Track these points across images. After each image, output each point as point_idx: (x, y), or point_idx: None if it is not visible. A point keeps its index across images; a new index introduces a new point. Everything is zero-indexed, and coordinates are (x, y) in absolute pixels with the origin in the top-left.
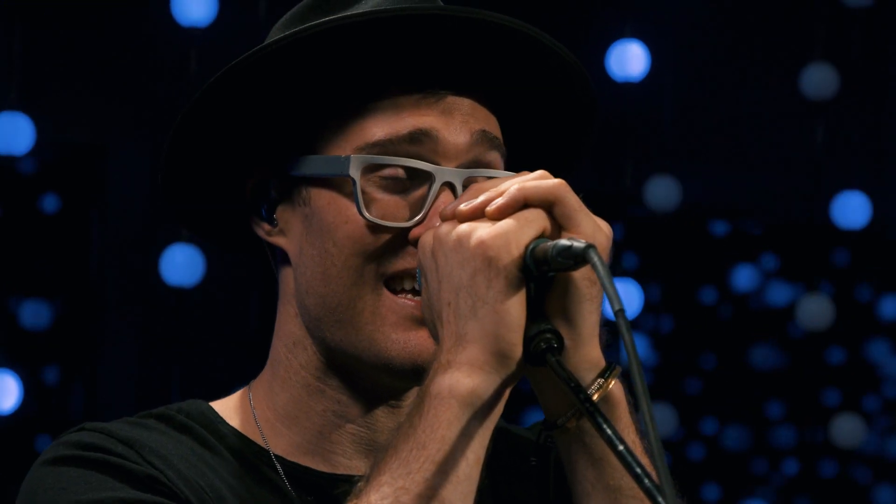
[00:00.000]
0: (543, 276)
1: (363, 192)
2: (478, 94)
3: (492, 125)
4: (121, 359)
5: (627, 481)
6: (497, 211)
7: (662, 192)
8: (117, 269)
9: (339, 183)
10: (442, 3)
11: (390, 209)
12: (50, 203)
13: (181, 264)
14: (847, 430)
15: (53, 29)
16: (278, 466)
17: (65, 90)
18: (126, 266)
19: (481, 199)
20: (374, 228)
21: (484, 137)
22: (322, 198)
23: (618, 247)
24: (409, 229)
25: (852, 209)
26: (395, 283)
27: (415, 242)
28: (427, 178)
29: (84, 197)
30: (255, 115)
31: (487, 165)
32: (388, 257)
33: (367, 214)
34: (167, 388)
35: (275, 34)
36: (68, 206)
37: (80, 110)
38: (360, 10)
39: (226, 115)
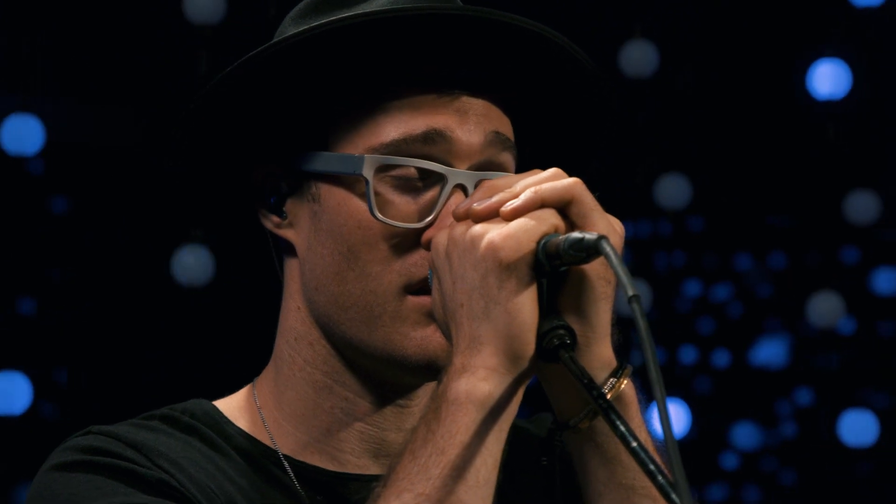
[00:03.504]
0: (556, 270)
1: (375, 193)
2: (492, 94)
3: (505, 126)
4: (131, 359)
5: (640, 480)
6: (512, 213)
7: (673, 190)
8: (128, 270)
9: (350, 181)
10: (459, 2)
11: (401, 210)
12: (59, 204)
13: (192, 265)
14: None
15: (63, 30)
16: (287, 466)
17: (74, 91)
18: (137, 267)
19: (496, 199)
20: (385, 230)
21: (497, 139)
22: (333, 196)
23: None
24: (420, 230)
25: (862, 206)
26: (413, 286)
27: (427, 245)
28: (439, 179)
29: (94, 198)
30: (268, 107)
31: (499, 166)
32: (407, 264)
33: (379, 216)
34: (177, 388)
35: (287, 27)
36: (77, 208)
37: (89, 111)
38: (376, 7)
39: (239, 105)
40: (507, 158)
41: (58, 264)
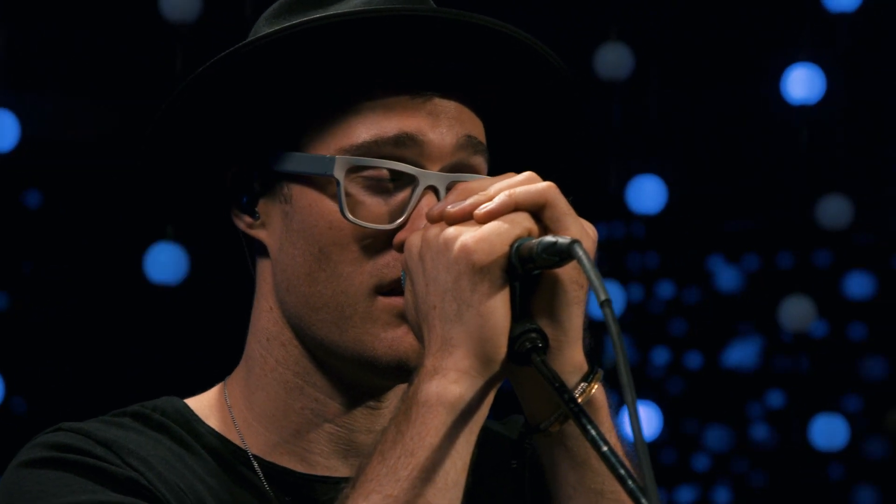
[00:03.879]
0: (529, 274)
1: (346, 194)
2: (464, 96)
3: (477, 129)
4: (104, 356)
5: (609, 485)
6: (486, 215)
7: (646, 192)
8: (101, 267)
9: (321, 182)
10: (433, 4)
11: (373, 211)
12: (33, 199)
13: (165, 262)
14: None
15: (38, 26)
16: (256, 466)
17: (49, 87)
18: (110, 263)
19: (470, 201)
20: (356, 231)
21: (469, 142)
22: (304, 196)
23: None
24: (391, 232)
25: (836, 211)
26: (385, 286)
27: (399, 246)
28: (411, 180)
29: (68, 194)
30: (240, 107)
31: (471, 169)
32: (379, 265)
33: (350, 217)
34: (149, 386)
35: (261, 27)
36: (51, 203)
37: (65, 107)
38: (348, 9)
39: (211, 105)
40: (479, 161)
41: (31, 259)
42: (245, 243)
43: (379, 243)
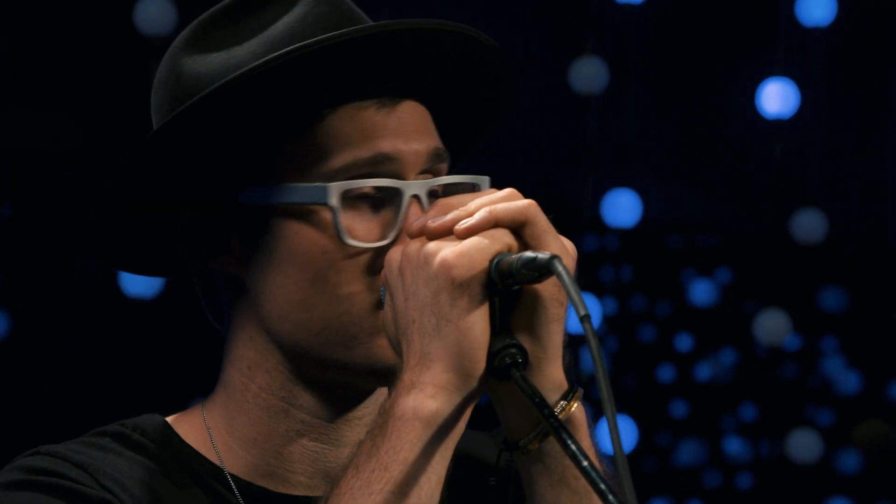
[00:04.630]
0: (508, 289)
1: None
2: (416, 95)
3: (432, 126)
4: (78, 370)
5: (587, 502)
6: (466, 231)
7: (621, 207)
8: (75, 280)
9: (306, 210)
10: (359, 10)
11: (364, 230)
12: (5, 211)
13: (141, 276)
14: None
15: (11, 37)
16: (234, 487)
17: (22, 100)
18: (85, 276)
19: (450, 217)
20: (350, 252)
21: (435, 152)
22: (288, 226)
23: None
24: (386, 248)
25: (809, 225)
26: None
27: None
28: (395, 193)
29: (41, 205)
30: (203, 150)
31: (439, 173)
32: (377, 282)
33: (349, 241)
34: (126, 399)
35: (180, 57)
36: (24, 215)
37: (37, 120)
38: (280, 30)
39: (177, 153)
40: (444, 168)
41: (1, 270)
42: (199, 280)
43: (374, 260)
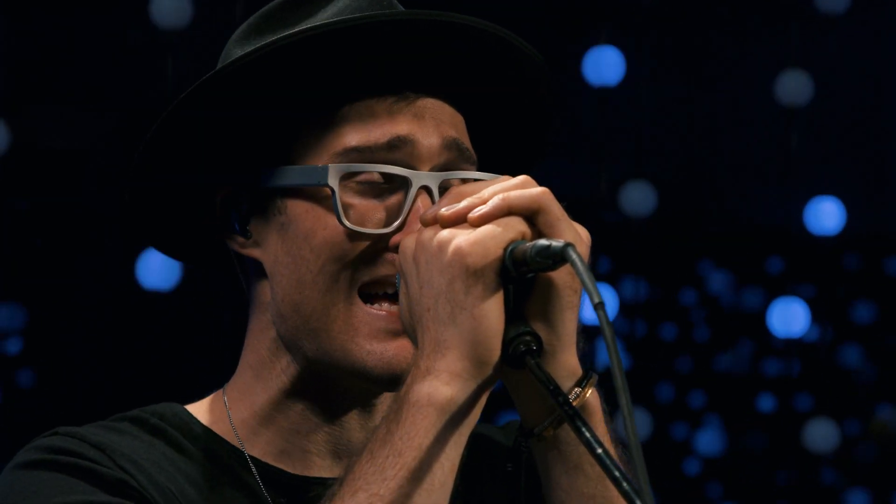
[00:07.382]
0: (523, 277)
1: (341, 201)
2: (444, 93)
3: (460, 127)
4: (96, 362)
5: (602, 490)
6: (479, 219)
7: (638, 197)
8: (94, 274)
9: (314, 191)
10: (401, 6)
11: (368, 215)
12: (22, 206)
13: (158, 269)
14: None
15: (30, 34)
16: (253, 468)
17: (41, 95)
18: (103, 270)
19: (464, 204)
20: (353, 236)
21: (455, 144)
22: (299, 206)
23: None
24: (388, 235)
25: (826, 215)
26: (370, 288)
27: (395, 248)
28: (404, 182)
29: (60, 201)
30: (225, 130)
31: (459, 169)
32: (366, 264)
33: (347, 223)
34: (142, 392)
35: (232, 48)
36: (43, 211)
37: (56, 115)
38: (321, 21)
39: (196, 132)
40: (468, 168)
41: (21, 265)
42: (238, 265)
43: (376, 247)
